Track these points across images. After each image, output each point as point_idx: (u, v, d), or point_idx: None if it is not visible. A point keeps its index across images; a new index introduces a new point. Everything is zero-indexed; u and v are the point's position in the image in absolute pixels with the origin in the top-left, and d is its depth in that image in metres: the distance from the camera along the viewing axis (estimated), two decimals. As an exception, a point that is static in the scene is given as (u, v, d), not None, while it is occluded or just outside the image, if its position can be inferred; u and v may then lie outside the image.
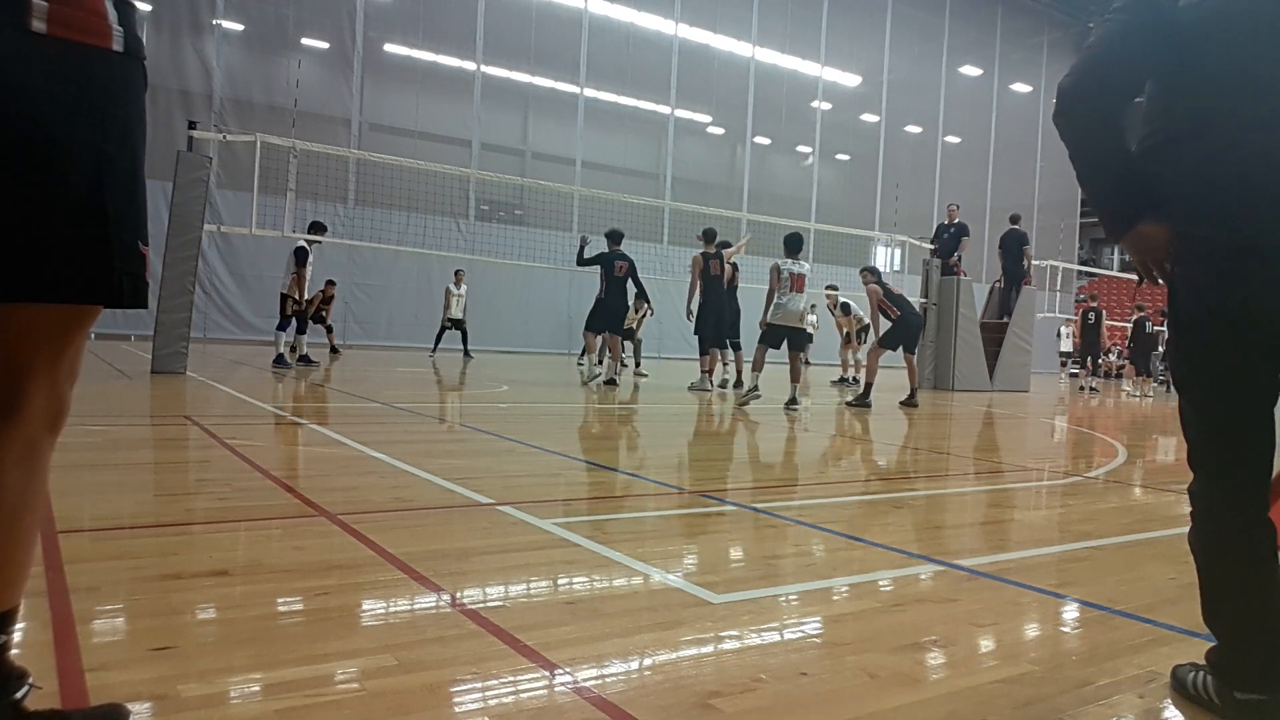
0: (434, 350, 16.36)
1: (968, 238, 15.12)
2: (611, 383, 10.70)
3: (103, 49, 1.26)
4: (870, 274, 10.31)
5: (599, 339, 11.29)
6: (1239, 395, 1.64)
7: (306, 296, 11.51)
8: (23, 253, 1.21)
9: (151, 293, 1.42)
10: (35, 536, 1.35)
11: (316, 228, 11.56)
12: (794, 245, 8.94)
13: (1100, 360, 19.76)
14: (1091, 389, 17.36)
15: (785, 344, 8.83)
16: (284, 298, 11.34)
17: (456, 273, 16.13)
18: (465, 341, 16.35)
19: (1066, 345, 22.22)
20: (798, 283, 8.73)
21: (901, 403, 9.81)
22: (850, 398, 10.01)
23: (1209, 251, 1.61)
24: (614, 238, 10.98)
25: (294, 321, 11.45)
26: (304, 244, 11.26)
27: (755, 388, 8.62)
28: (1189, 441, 1.73)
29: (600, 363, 11.15)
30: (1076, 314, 18.96)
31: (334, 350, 14.57)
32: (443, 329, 16.17)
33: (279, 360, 11.07)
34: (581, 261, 11.19)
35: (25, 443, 1.29)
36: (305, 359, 11.60)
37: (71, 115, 1.23)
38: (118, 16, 1.28)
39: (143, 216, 1.35)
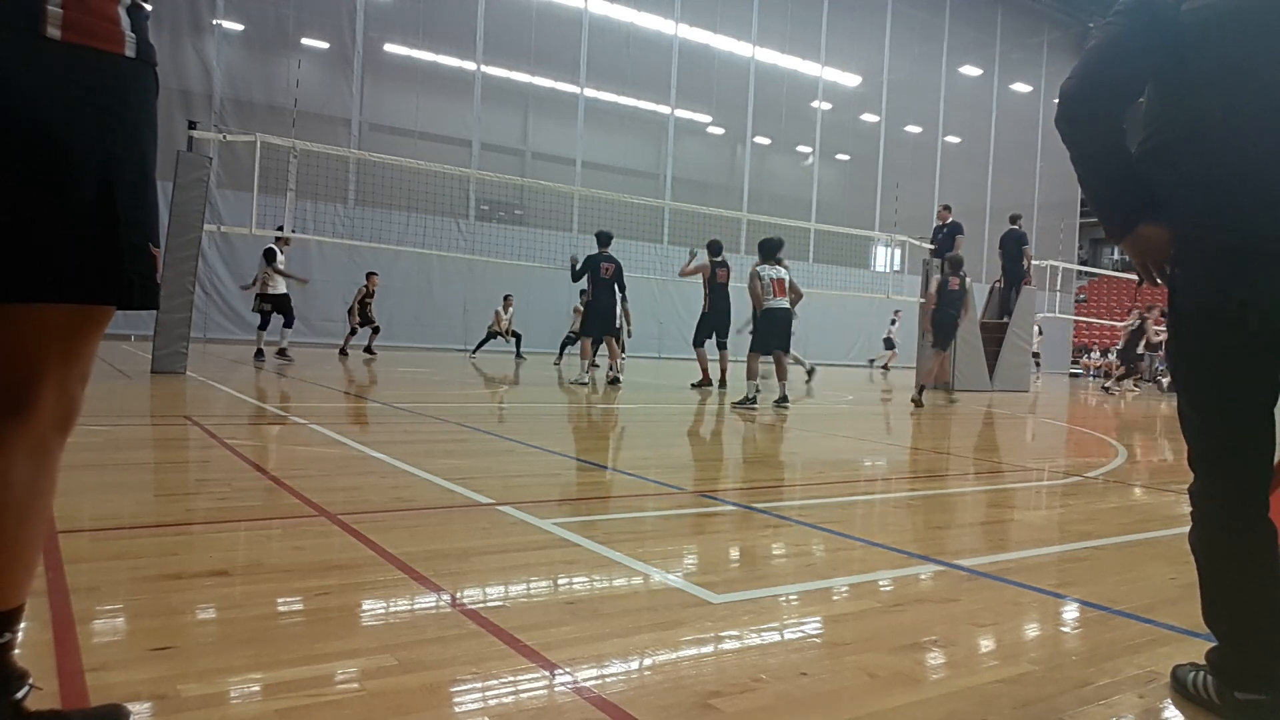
0: (474, 351, 16.80)
1: (962, 235, 15.14)
2: (615, 381, 10.76)
3: (115, 54, 1.27)
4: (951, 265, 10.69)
5: (592, 344, 11.32)
6: (1238, 396, 1.64)
7: (273, 292, 11.98)
8: (33, 254, 1.22)
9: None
10: (42, 536, 1.35)
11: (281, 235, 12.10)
12: (769, 250, 8.84)
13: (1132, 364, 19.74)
14: (1109, 390, 17.45)
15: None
16: (258, 297, 11.94)
17: (506, 298, 16.41)
18: (519, 345, 16.61)
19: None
20: (778, 287, 8.70)
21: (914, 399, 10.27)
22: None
23: (1207, 253, 1.61)
24: (602, 239, 11.05)
25: (273, 318, 12.00)
26: (273, 245, 11.91)
27: (753, 398, 8.55)
28: (1189, 442, 1.73)
29: (597, 366, 11.22)
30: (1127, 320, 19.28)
31: (343, 352, 14.73)
32: (488, 337, 16.46)
33: (281, 353, 11.57)
34: (576, 277, 11.28)
35: (35, 442, 1.30)
36: (259, 353, 12.12)
37: (81, 119, 1.24)
38: (130, 23, 1.29)
39: (154, 219, 1.37)
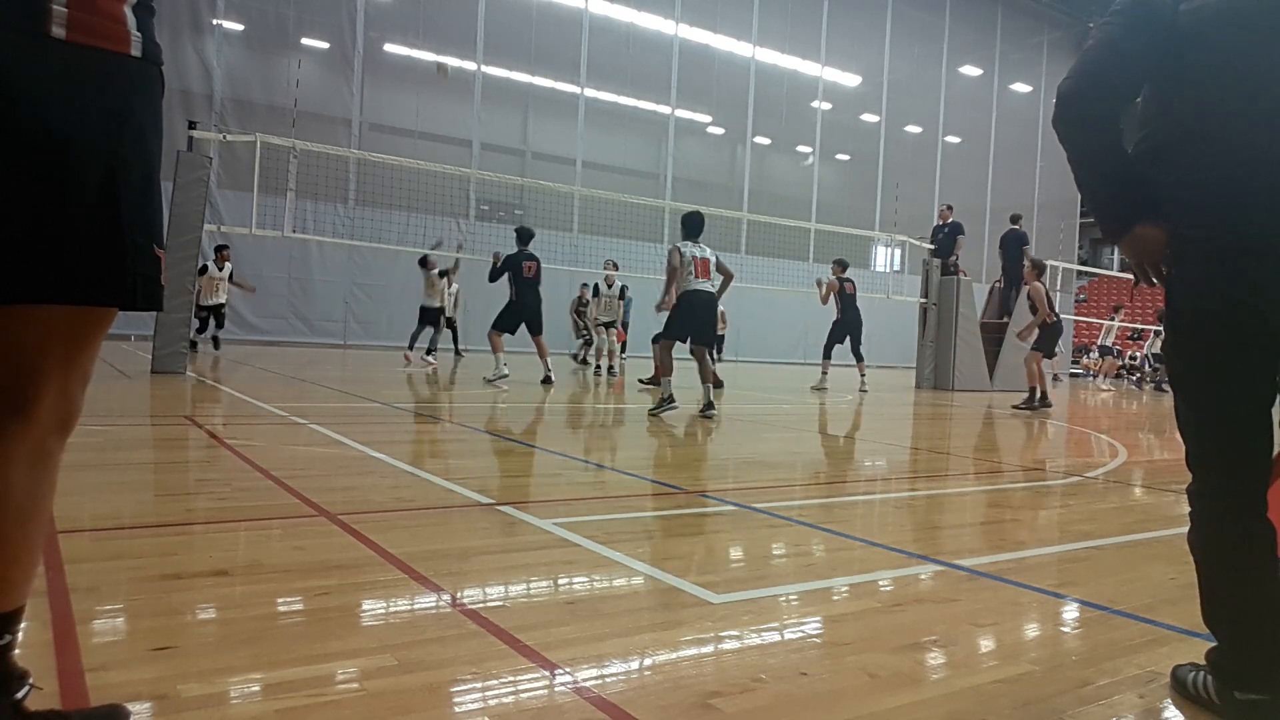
0: (411, 347, 16.31)
1: (963, 235, 15.15)
2: (548, 381, 10.29)
3: (121, 54, 1.27)
4: (1037, 269, 10.56)
5: (503, 338, 10.69)
6: (1236, 396, 1.64)
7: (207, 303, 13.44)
8: (37, 254, 1.22)
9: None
10: (42, 537, 1.35)
11: (219, 250, 13.62)
12: (693, 226, 7.50)
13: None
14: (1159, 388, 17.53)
15: (690, 340, 7.52)
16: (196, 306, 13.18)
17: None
18: (455, 340, 16.13)
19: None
20: (701, 267, 7.35)
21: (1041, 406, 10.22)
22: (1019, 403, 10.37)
23: (1207, 253, 1.61)
24: (523, 236, 10.67)
25: (196, 321, 13.20)
26: (207, 262, 13.25)
27: (670, 396, 7.22)
28: (1186, 442, 1.73)
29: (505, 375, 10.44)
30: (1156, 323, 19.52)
31: (583, 361, 15.68)
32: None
33: (202, 337, 13.34)
34: (494, 277, 10.75)
35: (35, 443, 1.29)
36: (193, 344, 13.43)
37: (88, 119, 1.24)
38: (136, 22, 1.29)
39: (158, 220, 1.36)
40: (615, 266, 14.35)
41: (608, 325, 14.41)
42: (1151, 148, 1.69)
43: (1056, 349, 11.06)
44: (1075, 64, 1.70)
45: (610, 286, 14.23)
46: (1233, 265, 1.58)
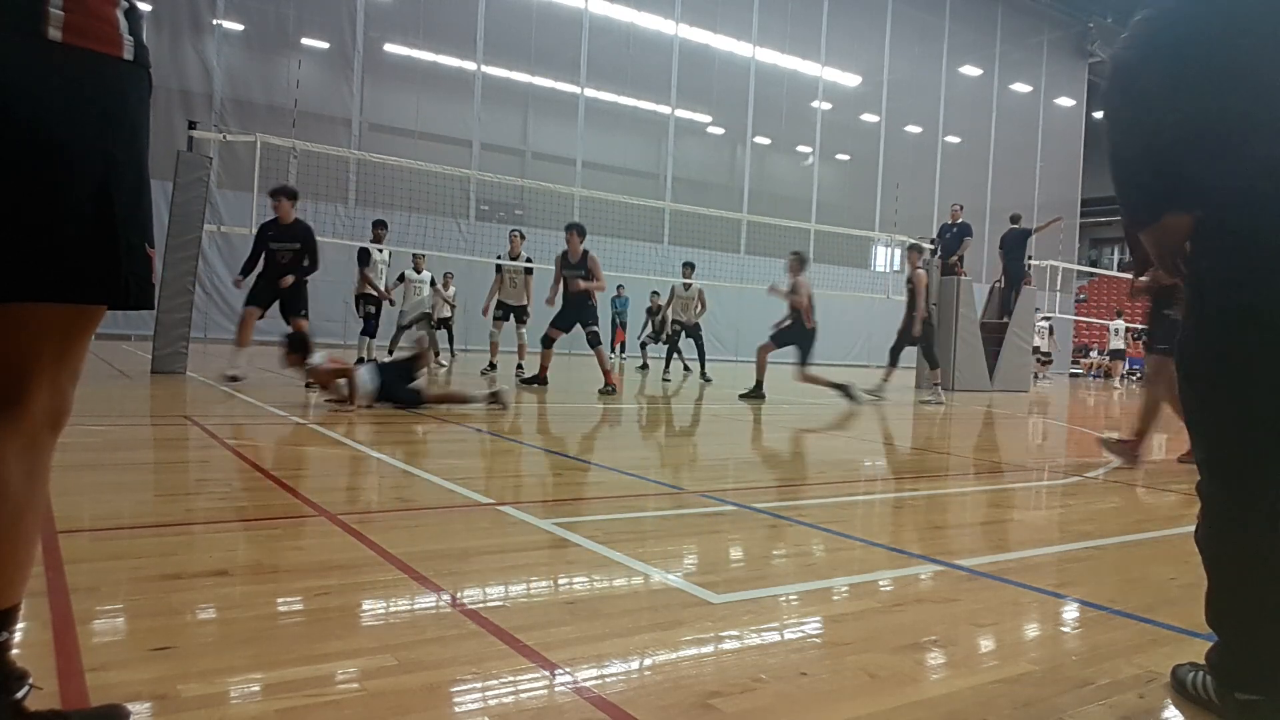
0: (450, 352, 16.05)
1: (970, 238, 15.12)
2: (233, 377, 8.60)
3: (114, 57, 1.29)
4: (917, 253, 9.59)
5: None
6: (1262, 396, 1.58)
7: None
8: (31, 253, 1.23)
9: (153, 293, 1.46)
10: (37, 535, 1.36)
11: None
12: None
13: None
14: None
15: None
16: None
17: (446, 274, 15.70)
18: (451, 341, 16.06)
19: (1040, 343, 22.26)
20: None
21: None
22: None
23: (1250, 247, 1.55)
24: (272, 193, 8.81)
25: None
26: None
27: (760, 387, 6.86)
28: (1199, 443, 1.69)
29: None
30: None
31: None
32: (423, 321, 15.22)
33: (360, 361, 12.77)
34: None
35: (27, 441, 1.30)
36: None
37: (82, 120, 1.25)
38: (128, 26, 1.30)
39: (149, 219, 1.38)
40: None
41: (424, 319, 13.90)
42: (1192, 134, 1.60)
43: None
44: (1133, 34, 1.61)
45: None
46: (1277, 261, 1.52)
